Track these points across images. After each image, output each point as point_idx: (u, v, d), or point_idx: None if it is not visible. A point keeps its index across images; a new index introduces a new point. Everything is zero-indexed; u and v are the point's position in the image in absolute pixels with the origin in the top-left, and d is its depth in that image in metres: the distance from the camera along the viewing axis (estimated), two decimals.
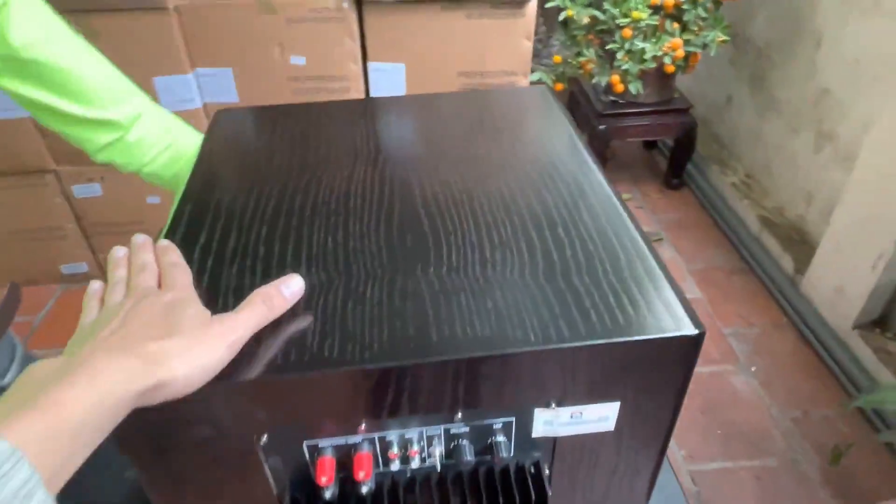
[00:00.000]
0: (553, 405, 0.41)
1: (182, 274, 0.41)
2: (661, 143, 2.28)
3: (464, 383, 0.39)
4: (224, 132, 0.65)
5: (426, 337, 0.38)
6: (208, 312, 0.38)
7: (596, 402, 0.41)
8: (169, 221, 0.51)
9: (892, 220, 1.32)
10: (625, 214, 0.48)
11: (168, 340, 0.34)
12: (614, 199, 0.50)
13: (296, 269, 0.43)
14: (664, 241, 1.93)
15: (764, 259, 1.78)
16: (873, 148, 1.37)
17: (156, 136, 0.65)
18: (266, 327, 0.39)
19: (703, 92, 2.18)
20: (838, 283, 1.50)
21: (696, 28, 1.64)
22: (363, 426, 0.41)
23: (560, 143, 0.59)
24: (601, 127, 1.89)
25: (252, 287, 0.40)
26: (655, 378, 0.40)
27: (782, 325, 1.64)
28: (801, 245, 1.72)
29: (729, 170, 2.03)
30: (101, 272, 1.79)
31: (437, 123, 0.64)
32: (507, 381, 0.39)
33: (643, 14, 1.56)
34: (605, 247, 0.45)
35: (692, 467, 1.33)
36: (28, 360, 0.65)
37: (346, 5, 1.37)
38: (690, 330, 0.38)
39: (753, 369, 1.52)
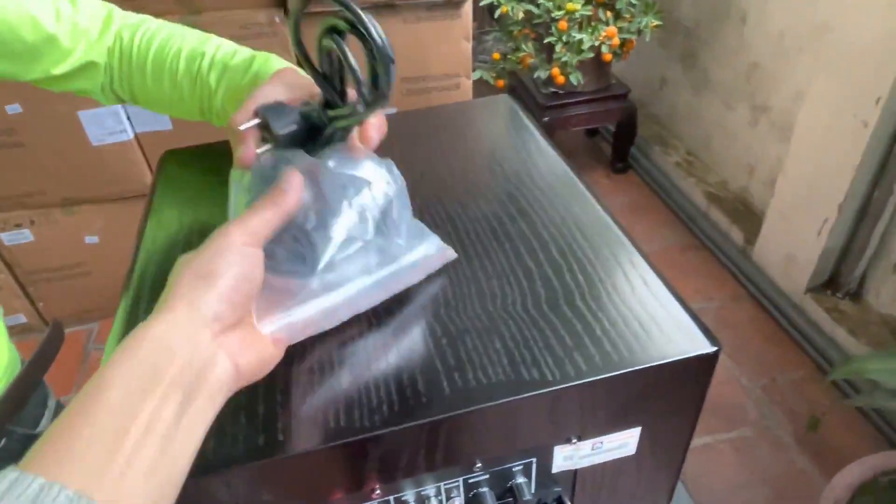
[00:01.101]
0: (574, 440, 0.39)
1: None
2: (603, 129, 2.31)
3: (482, 433, 0.37)
4: (170, 175, 0.61)
5: (438, 390, 0.35)
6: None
7: (617, 431, 0.39)
8: (130, 291, 0.46)
9: (833, 186, 1.37)
10: (617, 228, 0.47)
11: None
12: (603, 212, 0.48)
13: None
14: None
15: (714, 233, 1.83)
16: (808, 117, 1.42)
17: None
18: (260, 401, 0.36)
19: (637, 75, 2.22)
20: (788, 251, 1.55)
21: (628, 15, 1.66)
22: (377, 491, 0.38)
23: (536, 155, 0.57)
24: (545, 119, 1.90)
25: None
26: (674, 398, 0.39)
27: (740, 297, 1.69)
28: (748, 216, 1.78)
29: (671, 149, 2.08)
30: (42, 321, 1.68)
31: (404, 145, 0.61)
32: (526, 424, 0.37)
33: (577, 5, 1.57)
34: (604, 266, 0.43)
35: None
36: (60, 408, 0.59)
37: (277, 19, 1.31)
38: (707, 348, 0.37)
39: None
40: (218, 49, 0.52)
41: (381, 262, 0.40)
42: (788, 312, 1.56)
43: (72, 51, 0.52)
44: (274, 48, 1.46)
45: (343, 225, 0.37)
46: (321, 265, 0.37)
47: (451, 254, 0.45)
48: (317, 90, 0.40)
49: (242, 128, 0.39)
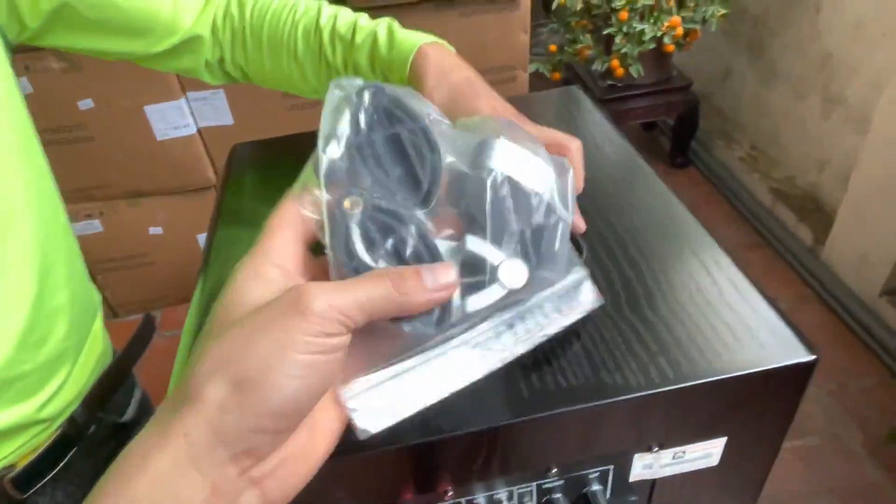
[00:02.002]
0: (655, 449, 0.37)
1: None
2: (662, 122, 2.24)
3: (559, 439, 0.35)
4: (240, 168, 0.61)
5: (516, 393, 0.34)
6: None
7: (702, 440, 0.37)
8: (206, 281, 0.47)
9: None
10: (701, 227, 0.44)
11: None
12: (685, 210, 0.46)
13: None
14: None
15: (780, 231, 1.75)
16: (888, 109, 1.34)
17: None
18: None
19: (699, 66, 2.14)
20: (861, 251, 1.47)
21: (692, 3, 1.60)
22: (450, 492, 0.37)
23: (609, 150, 0.55)
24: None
25: None
26: (764, 409, 0.37)
27: (807, 298, 1.61)
28: (818, 214, 1.69)
29: (734, 143, 1.99)
30: (109, 309, 1.75)
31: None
32: (606, 430, 0.36)
33: None
34: (687, 267, 0.41)
35: None
36: (145, 398, 0.61)
37: None
38: (804, 356, 0.35)
39: None
40: (335, 21, 0.50)
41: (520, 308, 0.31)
42: (861, 315, 1.48)
43: (177, 25, 0.51)
44: None
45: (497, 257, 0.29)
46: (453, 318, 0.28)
47: (598, 298, 0.34)
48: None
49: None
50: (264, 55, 0.53)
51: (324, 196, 0.27)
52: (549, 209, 0.30)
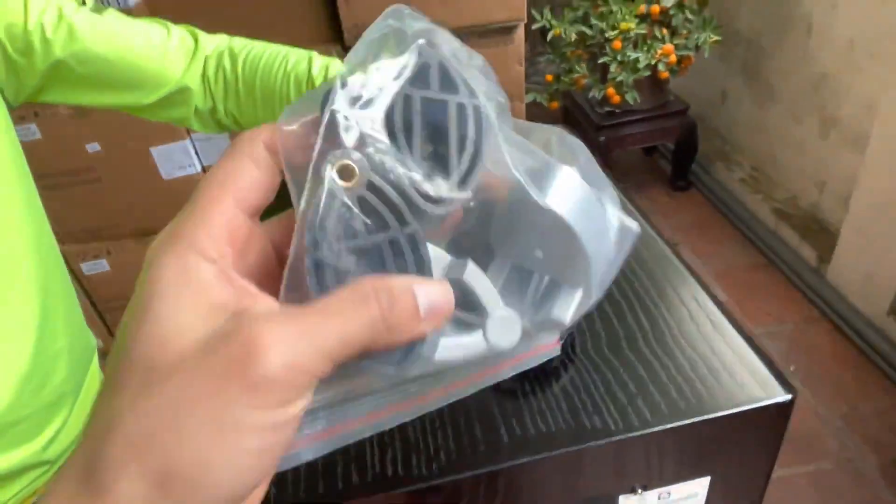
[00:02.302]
0: (639, 490, 0.37)
1: None
2: (662, 146, 2.26)
3: (542, 483, 0.36)
4: None
5: (496, 439, 0.35)
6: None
7: (685, 480, 0.38)
8: None
9: None
10: (681, 266, 0.45)
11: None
12: (666, 248, 0.47)
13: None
14: (680, 246, 1.89)
15: (784, 252, 1.75)
16: (883, 128, 1.34)
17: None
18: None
19: (696, 90, 2.16)
20: (867, 270, 1.46)
21: (685, 31, 1.62)
22: None
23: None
24: (601, 138, 1.87)
25: None
26: (746, 447, 0.37)
27: (814, 319, 1.60)
28: (821, 234, 1.69)
29: (734, 165, 2.00)
30: None
31: None
32: (589, 473, 0.36)
33: (631, 24, 1.55)
34: (668, 307, 0.42)
35: None
36: None
37: (334, 54, 1.36)
38: (782, 396, 0.35)
39: (792, 368, 1.48)
40: (327, 72, 0.52)
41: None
42: (869, 336, 1.46)
43: (165, 77, 0.53)
44: None
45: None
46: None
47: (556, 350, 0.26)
48: None
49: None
50: (258, 105, 0.54)
51: (319, 141, 0.19)
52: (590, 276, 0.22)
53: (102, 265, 1.65)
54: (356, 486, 0.34)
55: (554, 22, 1.61)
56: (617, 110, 1.85)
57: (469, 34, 1.37)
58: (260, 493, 0.19)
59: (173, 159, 1.48)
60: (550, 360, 0.38)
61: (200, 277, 0.18)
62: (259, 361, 0.16)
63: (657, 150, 2.31)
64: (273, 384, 0.16)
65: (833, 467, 1.29)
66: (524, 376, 0.39)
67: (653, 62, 1.58)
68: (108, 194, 1.50)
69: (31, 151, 1.39)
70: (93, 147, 1.44)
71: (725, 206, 2.01)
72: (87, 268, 1.64)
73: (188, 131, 1.44)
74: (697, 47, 1.62)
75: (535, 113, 1.88)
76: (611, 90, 1.64)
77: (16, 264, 0.44)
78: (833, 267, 1.60)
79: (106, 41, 0.50)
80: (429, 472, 0.34)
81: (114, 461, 0.16)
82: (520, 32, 1.37)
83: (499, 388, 0.38)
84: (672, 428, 0.34)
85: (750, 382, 0.36)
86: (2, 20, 0.46)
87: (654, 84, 1.78)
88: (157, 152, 1.47)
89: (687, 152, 2.01)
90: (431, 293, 0.19)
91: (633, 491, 0.38)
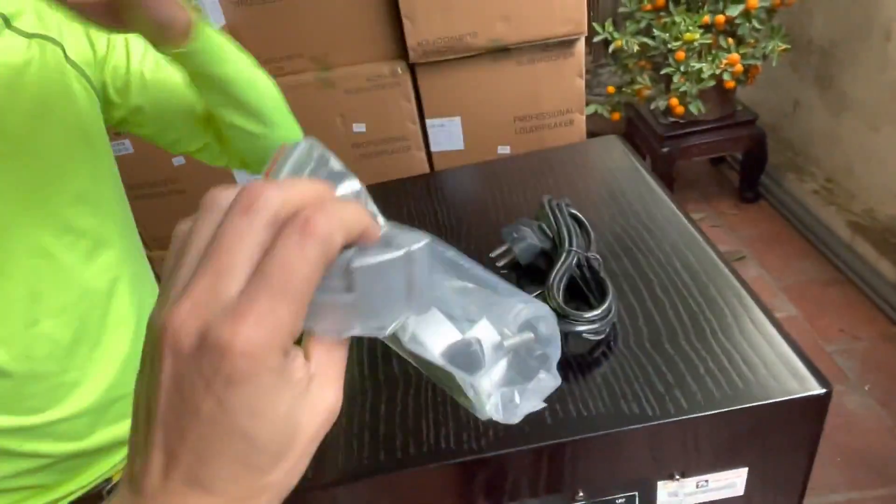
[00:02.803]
0: (677, 477, 0.40)
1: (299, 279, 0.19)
2: (730, 156, 2.21)
3: (582, 463, 0.38)
4: None
5: (540, 420, 0.38)
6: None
7: (722, 470, 0.39)
8: None
9: None
10: (724, 267, 0.47)
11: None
12: (710, 251, 0.49)
13: (399, 357, 0.44)
14: (747, 259, 1.85)
15: (860, 266, 1.67)
16: None
17: None
18: (381, 422, 0.40)
19: (766, 100, 2.11)
20: None
21: (752, 40, 1.59)
22: None
23: (646, 195, 0.58)
24: (664, 150, 1.85)
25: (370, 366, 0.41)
26: (783, 440, 0.38)
27: (891, 336, 1.52)
28: None
29: (807, 176, 1.93)
30: None
31: (514, 186, 0.65)
32: (627, 457, 0.38)
33: (695, 35, 1.54)
34: (709, 304, 0.44)
35: (813, 500, 1.23)
36: None
37: (399, 70, 1.42)
38: (816, 389, 0.36)
39: (867, 388, 1.41)
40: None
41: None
42: None
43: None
44: (397, 97, 1.57)
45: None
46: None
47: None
48: None
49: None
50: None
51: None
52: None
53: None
54: (413, 456, 0.38)
55: (616, 34, 1.63)
56: (681, 121, 1.83)
57: (531, 50, 1.41)
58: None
59: (248, 174, 1.59)
60: (592, 351, 0.41)
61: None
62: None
63: (725, 161, 2.26)
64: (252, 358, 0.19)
65: None
66: (567, 366, 0.42)
67: (717, 72, 1.56)
68: (191, 204, 1.61)
69: (124, 164, 1.54)
70: (178, 161, 1.57)
71: (797, 219, 1.94)
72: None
73: None
74: (765, 56, 1.59)
75: (598, 124, 1.89)
76: (674, 101, 1.63)
77: (121, 266, 0.53)
78: None
79: (172, 90, 0.58)
80: (478, 447, 0.37)
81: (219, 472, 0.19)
82: (580, 45, 1.40)
83: None
84: (707, 416, 0.36)
85: (786, 376, 0.37)
86: (109, 62, 0.54)
87: (720, 94, 1.75)
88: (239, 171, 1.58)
89: (756, 163, 1.96)
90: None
91: (672, 477, 0.40)
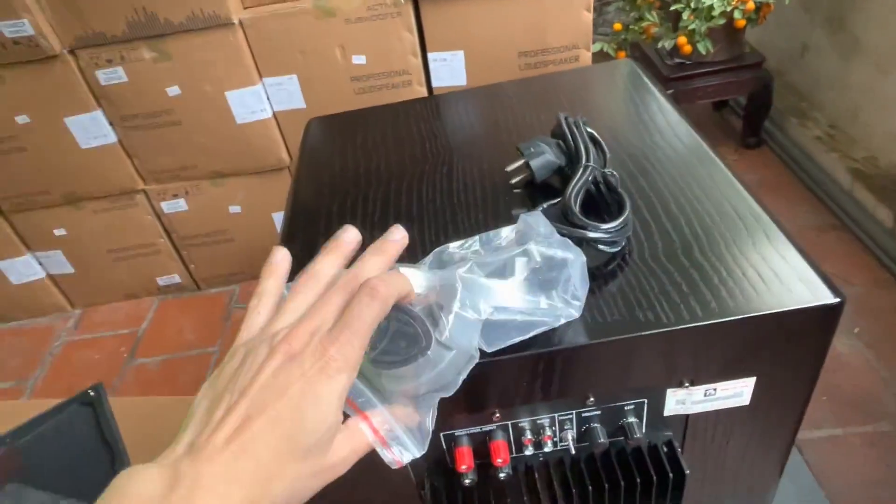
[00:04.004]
0: (686, 384, 0.40)
1: (363, 322, 0.28)
2: (733, 101, 2.18)
3: (596, 369, 0.39)
4: (314, 141, 0.68)
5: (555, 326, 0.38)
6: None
7: (731, 379, 0.40)
8: (282, 232, 0.53)
9: None
10: (738, 184, 0.47)
11: (299, 466, 0.26)
12: (725, 169, 0.48)
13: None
14: None
15: (858, 213, 1.68)
16: None
17: None
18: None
19: (773, 42, 2.06)
20: None
21: None
22: (497, 415, 0.42)
23: (658, 116, 0.58)
24: (669, 91, 1.82)
25: None
26: (793, 351, 0.39)
27: (884, 282, 1.54)
28: None
29: (810, 122, 1.91)
30: (193, 282, 1.89)
31: (525, 109, 0.63)
32: (639, 364, 0.39)
33: None
34: (724, 220, 0.44)
35: (799, 436, 1.28)
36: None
37: (402, 0, 1.38)
38: (829, 299, 0.37)
39: (857, 330, 1.44)
40: None
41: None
42: None
43: None
44: (399, 28, 1.53)
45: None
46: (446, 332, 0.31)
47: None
48: None
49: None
50: None
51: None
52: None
53: (181, 205, 1.76)
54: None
55: None
56: (687, 62, 1.79)
57: None
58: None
59: (246, 103, 1.55)
60: (608, 263, 0.41)
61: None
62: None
63: (728, 106, 2.23)
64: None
65: (892, 429, 1.27)
66: None
67: (728, 9, 1.52)
68: (186, 137, 1.59)
69: (118, 94, 1.49)
70: (173, 91, 1.53)
71: (798, 165, 1.94)
72: (166, 207, 1.76)
73: (260, 76, 1.50)
74: None
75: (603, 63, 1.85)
76: (682, 39, 1.59)
77: None
78: None
79: None
80: (494, 351, 0.38)
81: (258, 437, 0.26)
82: None
83: None
84: (720, 324, 0.37)
85: (799, 287, 0.38)
86: None
87: (729, 34, 1.71)
88: (232, 96, 1.54)
89: (760, 108, 1.94)
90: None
91: (681, 385, 0.41)
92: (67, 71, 1.41)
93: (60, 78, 1.42)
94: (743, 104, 2.00)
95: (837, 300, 0.37)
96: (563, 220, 0.42)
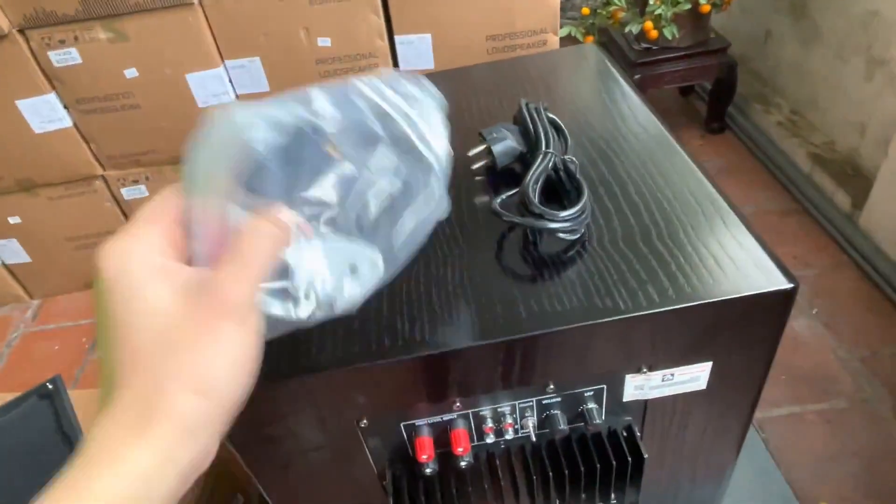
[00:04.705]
0: (645, 370, 0.41)
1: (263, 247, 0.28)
2: (699, 87, 2.20)
3: (555, 356, 0.39)
4: None
5: (515, 313, 0.38)
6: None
7: (688, 364, 0.41)
8: None
9: None
10: (699, 171, 0.47)
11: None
12: (686, 156, 0.49)
13: None
14: None
15: (817, 197, 1.72)
16: None
17: None
18: (356, 315, 0.40)
19: (738, 28, 2.09)
20: None
21: None
22: (458, 403, 0.42)
23: (621, 102, 0.58)
24: (636, 76, 1.83)
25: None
26: (748, 335, 0.40)
27: (842, 264, 1.59)
28: (857, 179, 1.66)
29: (773, 108, 1.95)
30: None
31: (488, 94, 0.63)
32: (598, 350, 0.39)
33: None
34: (683, 206, 0.44)
35: (758, 415, 1.31)
36: None
37: None
38: (783, 284, 0.37)
39: (815, 311, 1.49)
40: None
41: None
42: None
43: None
44: (365, 10, 1.49)
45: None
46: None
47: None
48: None
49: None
50: None
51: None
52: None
53: (141, 190, 1.71)
54: (388, 348, 0.38)
55: None
56: (654, 47, 1.80)
57: None
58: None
59: (207, 87, 1.51)
60: (567, 250, 0.41)
61: (166, 266, 0.26)
62: (230, 302, 0.26)
63: (694, 91, 2.26)
64: (240, 310, 0.26)
65: (847, 406, 1.32)
66: (541, 264, 0.42)
67: None
68: (145, 120, 1.54)
69: (72, 76, 1.43)
70: (131, 73, 1.48)
71: (760, 150, 1.97)
72: (126, 193, 1.71)
73: (221, 58, 1.46)
74: None
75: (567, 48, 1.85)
76: (648, 24, 1.60)
77: None
78: (866, 214, 1.58)
79: None
80: (452, 341, 0.38)
81: (171, 392, 0.24)
82: None
83: (517, 274, 0.41)
84: (678, 309, 0.37)
85: (754, 272, 0.38)
86: None
87: (694, 19, 1.73)
88: (193, 79, 1.49)
89: (724, 93, 1.97)
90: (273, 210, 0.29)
91: (640, 370, 0.41)
92: (17, 52, 1.35)
93: (11, 59, 1.36)
94: (708, 89, 2.03)
95: (791, 286, 0.37)
96: (521, 209, 0.42)
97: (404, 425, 0.43)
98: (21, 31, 1.33)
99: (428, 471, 0.44)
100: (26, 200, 1.62)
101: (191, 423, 0.24)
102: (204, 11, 1.37)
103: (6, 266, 1.74)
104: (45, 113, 1.45)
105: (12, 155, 1.52)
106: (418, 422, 0.43)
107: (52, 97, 1.44)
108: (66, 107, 1.47)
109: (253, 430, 0.40)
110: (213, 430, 0.25)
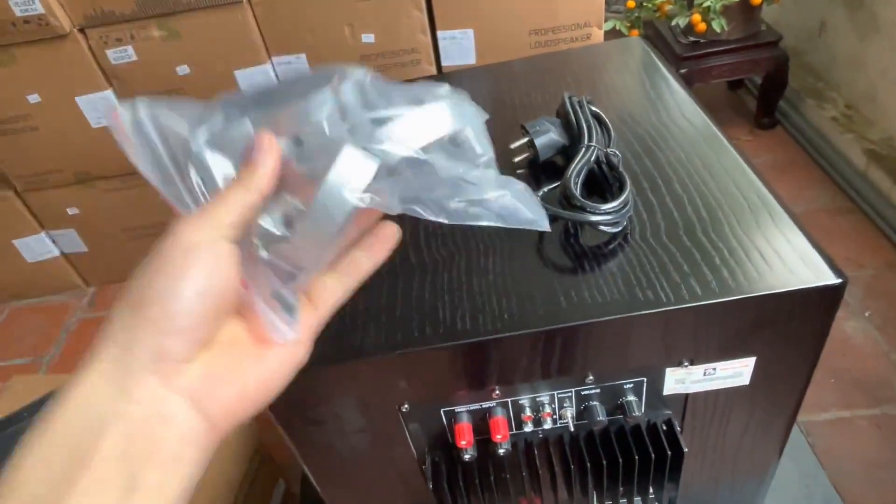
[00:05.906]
0: (686, 364, 0.41)
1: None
2: (748, 81, 2.14)
3: (595, 347, 0.39)
4: None
5: (555, 304, 0.39)
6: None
7: (731, 359, 0.40)
8: None
9: None
10: (745, 165, 0.46)
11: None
12: (732, 150, 0.48)
13: (416, 248, 0.45)
14: None
15: (872, 196, 1.66)
16: None
17: None
18: (398, 304, 0.41)
19: (790, 21, 2.02)
20: None
21: None
22: (497, 391, 0.43)
23: (667, 96, 0.57)
24: (683, 70, 1.79)
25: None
26: (794, 331, 0.39)
27: None
28: None
29: (827, 102, 1.88)
30: None
31: (531, 87, 0.63)
32: (639, 343, 0.39)
33: None
34: (728, 201, 0.43)
35: (804, 418, 1.28)
36: None
37: None
38: (831, 279, 0.37)
39: (867, 314, 1.43)
40: None
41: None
42: None
43: None
44: (408, 6, 1.51)
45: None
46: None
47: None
48: None
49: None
50: None
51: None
52: None
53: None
54: (429, 336, 0.39)
55: None
56: (702, 40, 1.76)
57: None
58: (278, 362, 0.28)
59: (255, 83, 1.55)
60: (609, 243, 0.41)
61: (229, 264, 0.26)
62: (184, 219, 0.26)
63: (743, 85, 2.20)
64: (194, 224, 0.26)
65: None
66: (583, 256, 0.42)
67: None
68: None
69: (128, 73, 1.48)
70: (182, 69, 1.53)
71: (812, 147, 1.91)
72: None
73: (269, 54, 1.50)
74: None
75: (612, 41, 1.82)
76: (696, 17, 1.57)
77: None
78: None
79: None
80: (493, 329, 0.38)
81: (116, 308, 0.25)
82: None
83: (558, 266, 0.42)
84: (721, 303, 0.37)
85: (801, 267, 0.38)
86: None
87: (744, 11, 1.68)
88: (241, 75, 1.54)
89: (775, 87, 1.91)
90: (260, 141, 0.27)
91: (680, 364, 0.41)
92: (77, 50, 1.41)
93: (71, 57, 1.42)
94: (758, 83, 1.97)
95: (839, 281, 0.37)
96: (563, 202, 0.42)
97: (444, 411, 0.44)
98: (81, 30, 1.39)
99: (466, 457, 0.44)
100: (84, 192, 1.70)
101: (128, 337, 0.24)
102: (252, 9, 1.41)
103: (64, 255, 1.82)
104: (101, 108, 1.51)
105: (71, 149, 1.59)
106: (458, 408, 0.44)
107: (109, 94, 1.50)
108: None
109: (299, 411, 0.42)
110: (159, 364, 0.24)
